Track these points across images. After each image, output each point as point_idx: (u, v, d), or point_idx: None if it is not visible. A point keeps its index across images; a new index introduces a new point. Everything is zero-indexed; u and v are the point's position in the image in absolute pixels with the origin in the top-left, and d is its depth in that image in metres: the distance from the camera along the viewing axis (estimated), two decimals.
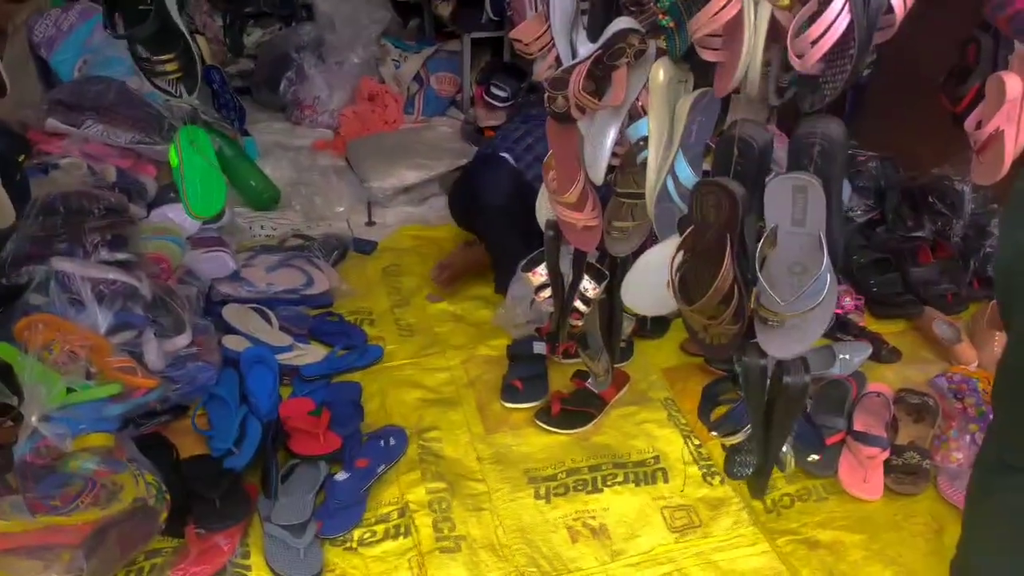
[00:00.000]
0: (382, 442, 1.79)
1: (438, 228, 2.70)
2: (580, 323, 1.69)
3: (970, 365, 2.12)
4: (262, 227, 2.65)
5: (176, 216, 2.21)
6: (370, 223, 2.79)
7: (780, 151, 1.30)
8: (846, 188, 1.11)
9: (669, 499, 1.75)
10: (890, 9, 0.92)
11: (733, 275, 1.06)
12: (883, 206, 2.64)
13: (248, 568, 1.55)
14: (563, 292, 1.69)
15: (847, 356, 2.02)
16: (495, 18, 3.24)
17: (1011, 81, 1.09)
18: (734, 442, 1.35)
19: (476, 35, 3.32)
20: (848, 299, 2.27)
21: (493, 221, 2.33)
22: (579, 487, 1.77)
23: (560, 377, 2.05)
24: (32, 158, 2.10)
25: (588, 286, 1.63)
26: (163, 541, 1.56)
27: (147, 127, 2.33)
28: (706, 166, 1.31)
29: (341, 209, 2.79)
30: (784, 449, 1.31)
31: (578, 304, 1.65)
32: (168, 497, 1.51)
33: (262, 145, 3.04)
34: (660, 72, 1.23)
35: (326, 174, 2.91)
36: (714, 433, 1.43)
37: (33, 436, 1.44)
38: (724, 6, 0.99)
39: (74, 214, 1.86)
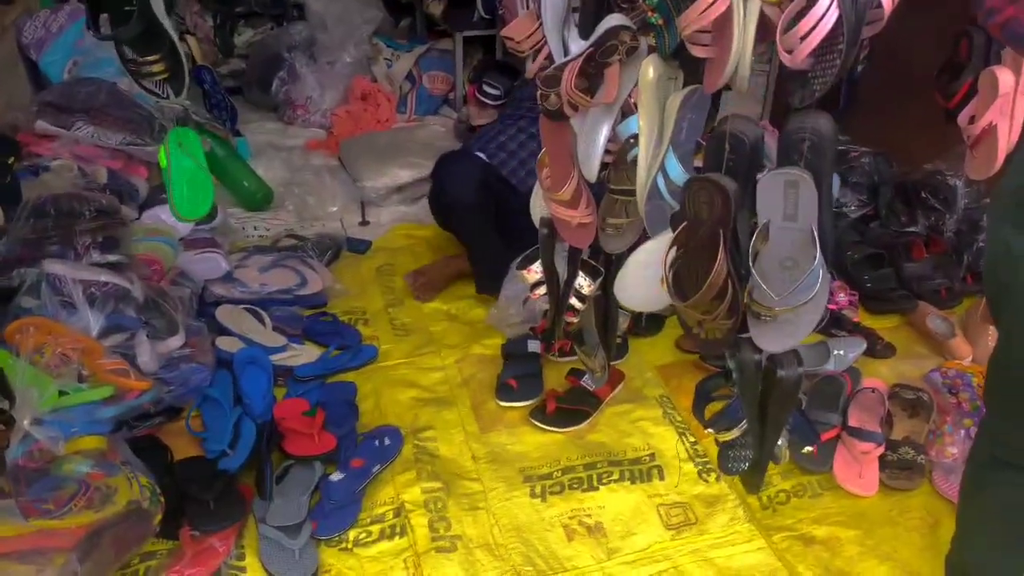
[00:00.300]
0: (377, 442, 1.79)
1: (432, 227, 2.68)
2: (576, 320, 1.69)
3: (964, 360, 2.13)
4: (255, 228, 2.64)
5: (168, 217, 2.19)
6: (363, 222, 2.78)
7: (772, 147, 1.30)
8: (836, 182, 1.11)
9: (665, 496, 1.75)
10: (878, 4, 0.92)
11: (727, 270, 1.06)
12: (876, 202, 2.64)
13: (243, 570, 1.54)
14: (558, 289, 1.69)
15: (841, 352, 2.02)
16: (487, 16, 3.24)
17: (1004, 76, 1.10)
18: (729, 438, 1.35)
19: (468, 33, 3.32)
20: (842, 295, 2.27)
21: (464, 219, 2.32)
22: (575, 485, 1.76)
23: (555, 375, 2.05)
24: (22, 160, 2.08)
25: (583, 283, 1.63)
26: (158, 543, 1.55)
27: (138, 128, 2.33)
28: (697, 163, 1.31)
29: (334, 209, 2.78)
30: (779, 442, 1.31)
31: (573, 301, 1.65)
32: (162, 499, 1.50)
33: (255, 145, 3.04)
34: (650, 69, 1.23)
35: (319, 174, 2.90)
36: (710, 430, 1.43)
37: (25, 439, 1.43)
38: (713, 2, 1.00)
39: (65, 216, 1.85)
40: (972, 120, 1.25)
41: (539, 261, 1.68)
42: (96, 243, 1.83)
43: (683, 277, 1.13)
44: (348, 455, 1.74)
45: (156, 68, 1.57)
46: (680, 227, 1.12)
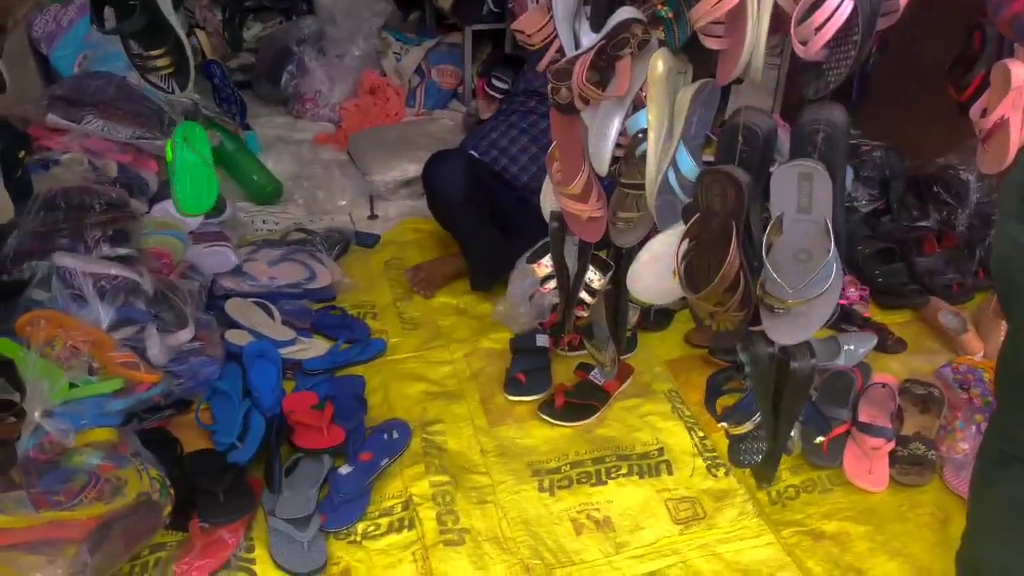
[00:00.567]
0: (385, 436, 1.79)
1: None
2: (585, 314, 1.69)
3: (976, 355, 2.11)
4: (264, 221, 2.64)
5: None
6: (372, 216, 2.78)
7: (783, 140, 1.29)
8: (849, 175, 1.10)
9: (673, 491, 1.74)
10: None
11: (739, 262, 1.05)
12: (888, 196, 2.63)
13: (252, 562, 1.54)
14: (568, 284, 1.68)
15: (852, 347, 2.01)
16: (496, 10, 3.22)
17: (1016, 69, 1.09)
18: (742, 431, 1.35)
19: (477, 27, 3.31)
20: (853, 289, 2.26)
21: (455, 217, 2.33)
22: (583, 479, 1.76)
23: (563, 370, 2.05)
24: (33, 154, 2.09)
25: (593, 277, 1.62)
26: (167, 535, 1.56)
27: (148, 122, 2.33)
28: (707, 157, 1.30)
29: (343, 203, 2.78)
30: (792, 433, 1.31)
31: (583, 295, 1.64)
32: (172, 491, 1.50)
33: (264, 139, 3.04)
34: (659, 63, 1.22)
35: (328, 168, 2.90)
36: (723, 424, 1.43)
37: (36, 432, 1.44)
38: None
39: (75, 209, 1.86)
40: (984, 114, 1.24)
41: (549, 255, 1.68)
42: (106, 236, 1.84)
43: (695, 269, 1.13)
44: (357, 448, 1.74)
45: (161, 62, 1.57)
46: (692, 219, 1.11)
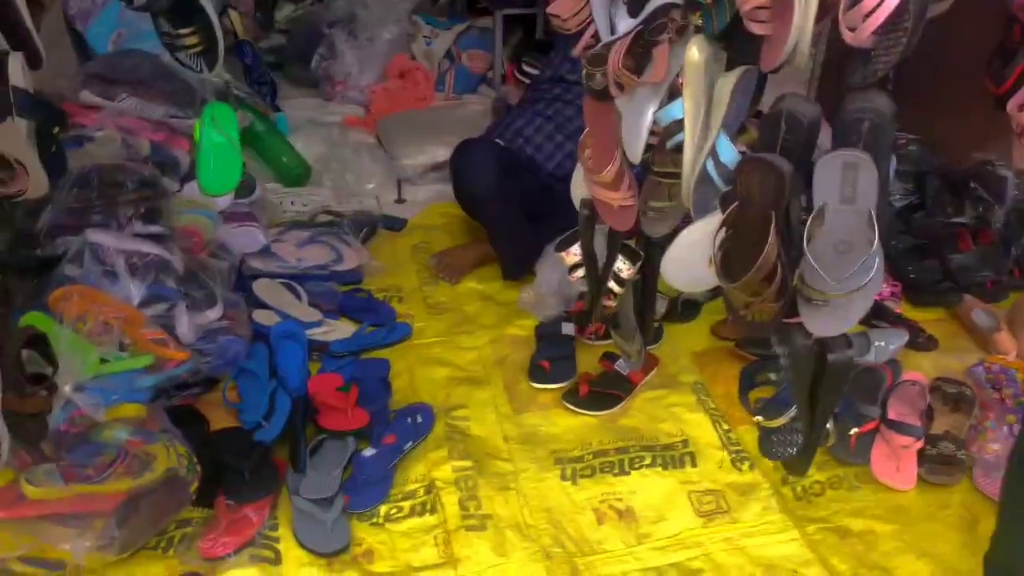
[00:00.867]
0: (409, 419, 1.80)
1: None
2: (613, 304, 1.68)
3: (1009, 355, 2.07)
4: (292, 203, 2.65)
5: None
6: (400, 200, 2.78)
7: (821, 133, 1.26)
8: (893, 165, 1.08)
9: (697, 483, 1.73)
10: None
11: (776, 253, 1.04)
12: (922, 191, 2.58)
13: (276, 540, 1.56)
14: (597, 272, 1.67)
15: (883, 343, 1.98)
16: None
17: None
18: (777, 425, 1.33)
19: (508, 11, 3.29)
20: (885, 285, 2.23)
21: (485, 206, 2.31)
22: (606, 469, 1.75)
23: (588, 358, 2.04)
24: (67, 130, 2.11)
25: (622, 266, 1.61)
26: (193, 511, 1.58)
27: (181, 101, 2.33)
28: (739, 147, 1.28)
29: (371, 186, 2.78)
30: (827, 425, 1.29)
31: (612, 285, 1.63)
32: (199, 468, 1.52)
33: (294, 121, 3.04)
34: (696, 51, 1.20)
35: (357, 151, 2.90)
36: (758, 417, 1.42)
37: (67, 406, 1.46)
38: None
39: (108, 187, 1.87)
40: (1022, 108, 1.20)
41: (578, 244, 1.67)
42: (138, 214, 1.85)
43: (732, 258, 1.11)
44: (380, 431, 1.74)
45: (190, 41, 1.57)
46: (731, 207, 1.10)
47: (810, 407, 1.21)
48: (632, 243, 1.63)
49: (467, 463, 1.75)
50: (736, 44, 1.23)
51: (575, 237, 1.66)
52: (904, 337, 2.04)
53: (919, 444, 1.76)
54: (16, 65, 1.42)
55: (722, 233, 1.12)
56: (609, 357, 1.98)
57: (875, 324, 2.10)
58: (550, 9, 1.52)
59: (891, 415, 1.80)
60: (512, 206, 2.28)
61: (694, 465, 1.77)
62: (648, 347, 1.96)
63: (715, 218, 1.21)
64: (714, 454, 1.80)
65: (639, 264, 1.60)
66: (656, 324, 2.06)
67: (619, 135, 1.41)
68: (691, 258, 1.25)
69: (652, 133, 1.38)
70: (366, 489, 1.64)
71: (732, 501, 1.69)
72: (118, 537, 1.38)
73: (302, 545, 1.54)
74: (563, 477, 1.73)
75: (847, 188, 1.02)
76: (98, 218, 1.82)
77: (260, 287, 2.11)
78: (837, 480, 1.75)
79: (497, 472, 1.74)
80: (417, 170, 2.83)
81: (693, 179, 1.24)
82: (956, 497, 1.72)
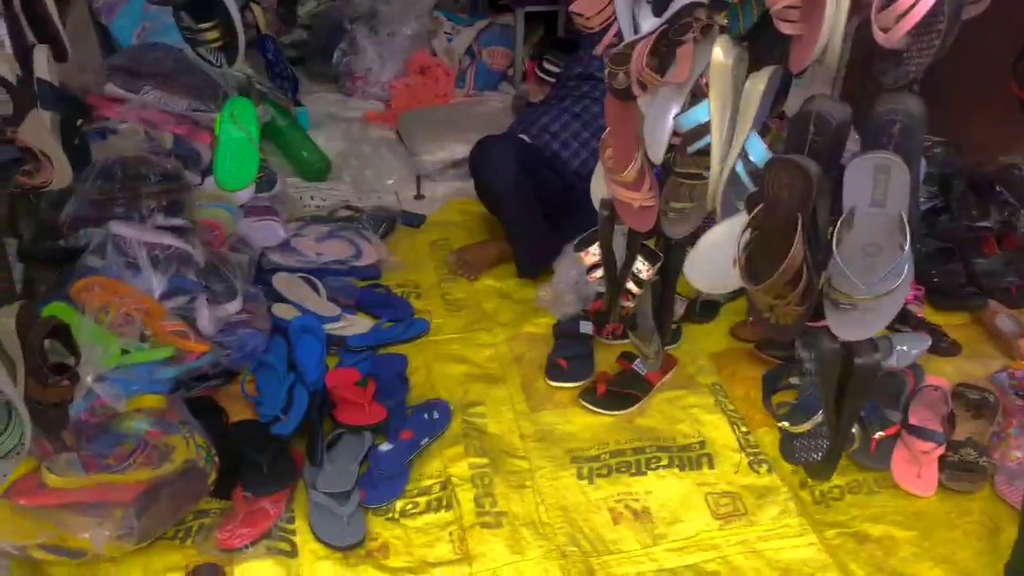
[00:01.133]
0: (426, 415, 1.80)
1: None
2: (631, 304, 1.67)
3: None
4: (312, 197, 2.66)
5: None
6: (419, 196, 2.78)
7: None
8: (923, 167, 1.07)
9: (714, 485, 1.72)
10: None
11: (803, 255, 1.02)
12: (947, 194, 2.54)
13: (293, 532, 1.57)
14: (616, 273, 1.66)
15: (905, 347, 1.96)
16: None
17: None
18: (802, 430, 1.32)
19: (529, 9, 3.28)
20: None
21: (503, 204, 2.30)
22: (622, 469, 1.75)
23: (606, 358, 2.03)
24: (91, 123, 2.13)
25: (641, 267, 1.60)
26: (211, 502, 1.59)
27: (203, 95, 2.35)
28: None
29: (391, 181, 2.79)
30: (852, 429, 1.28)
31: (630, 286, 1.62)
32: (217, 460, 1.53)
33: (315, 116, 3.06)
34: (723, 52, 1.19)
35: (377, 146, 2.91)
36: (784, 423, 1.40)
37: (88, 395, 1.48)
38: None
39: (131, 179, 1.89)
40: None
41: (596, 244, 1.66)
42: (160, 207, 1.87)
43: (757, 260, 1.10)
44: (397, 427, 1.75)
45: (210, 36, 1.58)
46: (757, 208, 1.09)
47: (836, 412, 1.20)
48: (651, 244, 1.62)
49: (483, 460, 1.75)
50: (761, 44, 1.22)
51: (594, 237, 1.66)
52: (927, 342, 2.02)
53: (940, 450, 1.73)
54: (42, 58, 1.44)
55: (747, 234, 1.10)
56: (627, 357, 1.97)
57: (897, 328, 2.08)
58: (573, 7, 1.51)
59: (912, 420, 1.78)
60: (530, 204, 2.27)
61: (711, 467, 1.76)
62: (666, 348, 1.96)
63: (740, 219, 1.19)
64: (732, 456, 1.79)
65: (658, 265, 1.59)
66: (674, 326, 2.05)
67: (641, 135, 1.40)
68: (715, 259, 1.24)
69: (674, 133, 1.37)
70: (382, 484, 1.65)
71: (749, 504, 1.68)
72: (137, 527, 1.39)
73: (318, 538, 1.54)
74: (579, 476, 1.73)
75: (878, 191, 1.01)
76: (121, 210, 1.84)
77: (279, 281, 2.12)
78: (856, 485, 1.73)
79: (513, 470, 1.74)
80: (437, 166, 2.83)
81: (722, 181, 1.22)
82: (977, 504, 1.70)
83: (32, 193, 1.73)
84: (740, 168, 1.18)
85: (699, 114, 1.27)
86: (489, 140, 2.37)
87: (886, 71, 0.94)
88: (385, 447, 1.69)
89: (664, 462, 1.77)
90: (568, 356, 1.99)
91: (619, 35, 1.42)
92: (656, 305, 1.68)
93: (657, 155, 1.37)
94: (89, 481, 1.40)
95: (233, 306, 1.85)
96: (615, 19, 1.43)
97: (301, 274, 2.18)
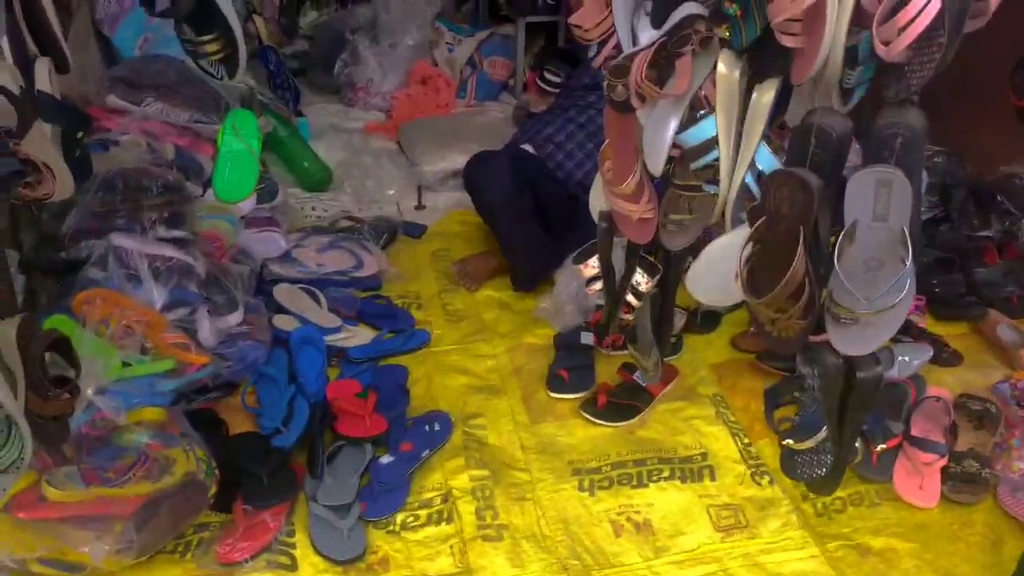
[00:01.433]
0: (427, 427, 1.80)
1: None
2: (631, 317, 1.67)
3: None
4: (313, 208, 2.67)
5: None
6: (420, 207, 2.79)
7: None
8: (925, 180, 1.07)
9: (716, 497, 1.71)
10: None
11: (804, 269, 1.02)
12: (948, 204, 2.54)
13: (293, 546, 1.56)
14: (615, 285, 1.66)
15: (906, 358, 1.95)
16: (550, 2, 3.20)
17: None
18: (805, 447, 1.32)
19: (531, 19, 3.29)
20: None
21: (496, 220, 2.31)
22: (623, 481, 1.74)
23: (607, 369, 2.03)
24: (93, 134, 2.13)
25: (640, 280, 1.60)
26: (211, 515, 1.58)
27: (205, 106, 2.36)
28: None
29: (392, 192, 2.79)
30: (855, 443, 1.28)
31: (630, 298, 1.62)
32: (217, 472, 1.53)
33: (316, 126, 3.06)
34: (727, 66, 1.19)
35: (378, 156, 2.92)
36: (788, 441, 1.40)
37: (89, 408, 1.47)
38: None
39: (133, 191, 1.89)
40: None
41: (596, 256, 1.66)
42: (162, 218, 1.87)
43: (758, 273, 1.10)
44: (398, 438, 1.74)
45: (211, 48, 1.59)
46: (758, 222, 1.09)
47: (839, 426, 1.19)
48: (651, 256, 1.62)
49: (484, 472, 1.74)
50: (762, 56, 1.22)
51: (594, 249, 1.66)
52: (928, 352, 2.01)
53: (943, 461, 1.73)
54: (43, 70, 1.44)
55: (749, 248, 1.10)
56: (628, 368, 1.96)
57: (899, 338, 2.07)
58: (573, 19, 1.51)
59: (915, 431, 1.78)
60: (525, 219, 2.28)
61: (713, 479, 1.76)
62: (667, 359, 1.96)
63: (742, 232, 1.19)
64: (733, 468, 1.78)
65: (657, 277, 1.59)
66: (674, 339, 2.04)
67: (640, 147, 1.40)
68: (717, 272, 1.24)
69: (673, 145, 1.37)
70: (383, 496, 1.64)
71: (751, 516, 1.67)
72: (137, 541, 1.39)
73: (318, 551, 1.54)
74: (580, 488, 1.72)
75: (880, 205, 1.01)
76: (122, 222, 1.84)
77: (280, 292, 2.12)
78: (859, 497, 1.72)
79: (514, 482, 1.73)
80: (438, 176, 2.83)
81: (732, 194, 1.22)
82: (980, 516, 1.69)
83: (34, 205, 1.74)
84: (750, 179, 1.18)
85: (706, 129, 1.27)
86: (482, 156, 2.37)
87: (888, 84, 0.94)
88: (386, 459, 1.69)
89: (666, 474, 1.76)
90: (569, 367, 1.99)
91: (618, 47, 1.43)
92: (655, 318, 1.68)
93: (656, 167, 1.37)
94: (89, 494, 1.40)
95: (234, 318, 1.85)
96: (614, 31, 1.44)
97: (302, 285, 2.18)
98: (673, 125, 1.33)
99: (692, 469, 1.78)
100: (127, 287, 1.73)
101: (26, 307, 1.74)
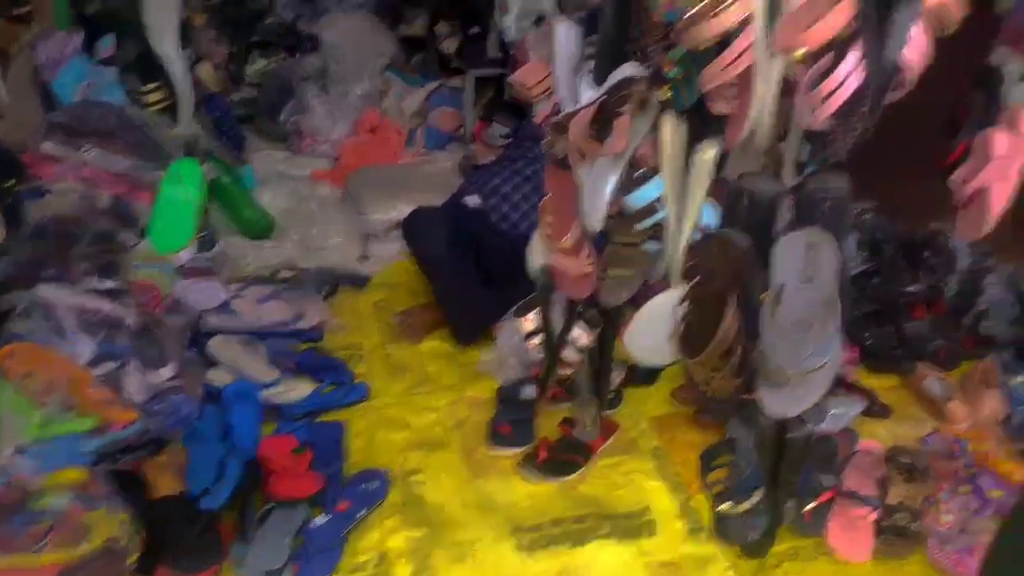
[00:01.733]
0: (363, 485, 1.76)
1: None
2: (570, 372, 1.67)
3: (961, 424, 2.09)
4: (255, 257, 2.62)
5: None
6: (364, 257, 2.76)
7: None
8: (852, 243, 1.10)
9: (654, 555, 1.70)
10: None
11: (736, 328, 1.04)
12: (879, 257, 2.62)
13: None
14: (554, 340, 1.67)
15: (838, 411, 1.99)
16: (499, 55, 3.26)
17: (998, 139, 1.09)
18: (743, 510, 1.32)
19: (480, 73, 3.34)
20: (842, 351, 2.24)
21: (432, 274, 2.33)
22: (562, 540, 1.72)
23: (549, 423, 2.02)
24: (25, 182, 2.08)
25: (580, 334, 1.61)
26: None
27: (146, 153, 2.32)
28: None
29: (337, 240, 2.76)
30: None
31: (569, 352, 1.63)
32: (142, 536, 1.46)
33: (262, 174, 3.03)
34: (670, 129, 1.22)
35: (323, 205, 2.89)
36: (725, 505, 1.40)
37: (5, 470, 1.40)
38: (737, 57, 0.99)
39: (64, 239, 1.85)
40: (965, 182, 1.24)
41: (537, 309, 1.67)
42: (94, 268, 1.82)
43: (693, 333, 1.11)
44: (334, 497, 1.70)
45: (153, 97, 1.58)
46: (692, 283, 1.11)
47: (774, 483, 1.20)
48: (590, 311, 1.63)
49: (421, 532, 1.71)
50: (700, 116, 1.25)
51: (534, 303, 1.66)
52: (860, 405, 2.05)
53: (875, 514, 1.75)
54: None
55: (683, 307, 1.12)
56: (568, 422, 1.96)
57: (831, 391, 2.11)
58: (514, 77, 1.54)
59: (847, 485, 1.80)
60: (461, 274, 2.28)
61: (651, 534, 1.75)
62: (607, 412, 1.96)
63: (677, 291, 1.21)
64: (672, 523, 1.78)
65: (597, 331, 1.60)
66: (613, 393, 2.04)
67: (579, 203, 1.42)
68: (653, 332, 1.25)
69: (611, 202, 1.39)
70: (316, 558, 1.59)
71: (689, 573, 1.67)
72: None
73: None
74: (519, 547, 1.70)
75: (808, 267, 1.03)
76: (52, 271, 1.79)
77: (216, 345, 2.07)
78: (794, 552, 1.73)
79: (453, 541, 1.70)
80: (384, 225, 2.82)
81: (678, 253, 1.24)
82: (912, 569, 1.71)
83: None
84: (698, 236, 1.21)
85: (652, 190, 1.29)
86: (419, 212, 2.39)
87: (815, 151, 0.97)
88: (320, 519, 1.65)
89: (605, 530, 1.75)
90: (511, 420, 1.98)
91: (559, 105, 1.46)
92: (593, 373, 1.69)
93: (595, 224, 1.39)
94: (1, 563, 1.32)
95: (166, 371, 1.80)
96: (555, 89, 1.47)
97: (240, 337, 2.13)
98: (612, 183, 1.35)
99: (631, 526, 1.77)
100: (53, 340, 1.67)
101: None
